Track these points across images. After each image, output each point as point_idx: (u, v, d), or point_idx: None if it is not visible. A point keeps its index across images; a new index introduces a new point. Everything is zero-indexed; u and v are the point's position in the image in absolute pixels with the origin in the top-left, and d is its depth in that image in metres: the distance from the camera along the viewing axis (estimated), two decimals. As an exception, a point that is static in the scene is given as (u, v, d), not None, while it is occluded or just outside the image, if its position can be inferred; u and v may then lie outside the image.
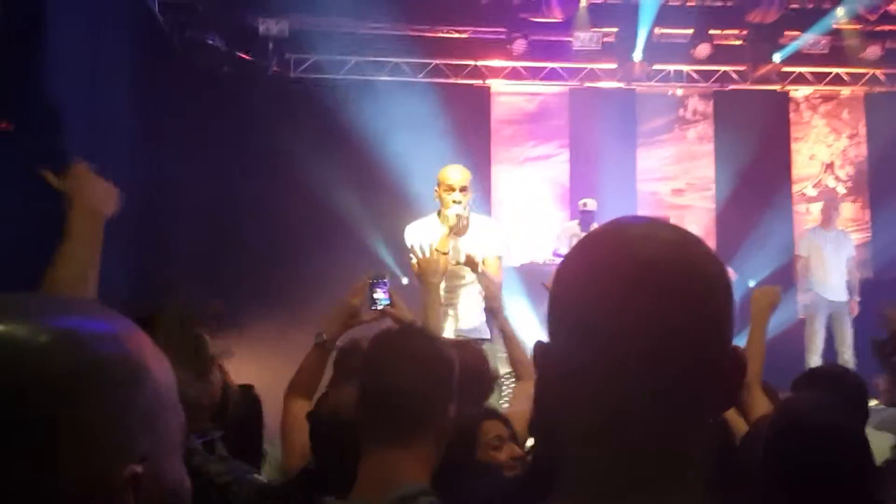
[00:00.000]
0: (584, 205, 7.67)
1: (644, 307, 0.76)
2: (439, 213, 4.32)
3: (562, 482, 0.81)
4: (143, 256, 6.38)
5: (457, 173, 4.29)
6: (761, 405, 2.29)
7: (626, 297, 0.76)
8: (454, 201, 4.17)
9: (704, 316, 0.78)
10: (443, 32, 8.84)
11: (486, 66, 9.01)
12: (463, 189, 4.20)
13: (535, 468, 1.82)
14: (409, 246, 4.11)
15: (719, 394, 0.79)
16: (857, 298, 7.52)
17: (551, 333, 0.82)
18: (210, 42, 7.76)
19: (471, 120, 8.69)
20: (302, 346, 2.39)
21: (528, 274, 6.89)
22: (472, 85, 9.04)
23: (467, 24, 8.76)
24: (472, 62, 8.95)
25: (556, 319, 0.81)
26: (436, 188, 4.33)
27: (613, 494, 0.77)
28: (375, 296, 2.60)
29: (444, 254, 3.96)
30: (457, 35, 8.88)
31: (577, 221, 7.91)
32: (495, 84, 9.14)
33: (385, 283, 2.64)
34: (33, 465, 0.63)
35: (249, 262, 7.55)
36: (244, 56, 8.33)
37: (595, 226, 6.57)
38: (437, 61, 8.86)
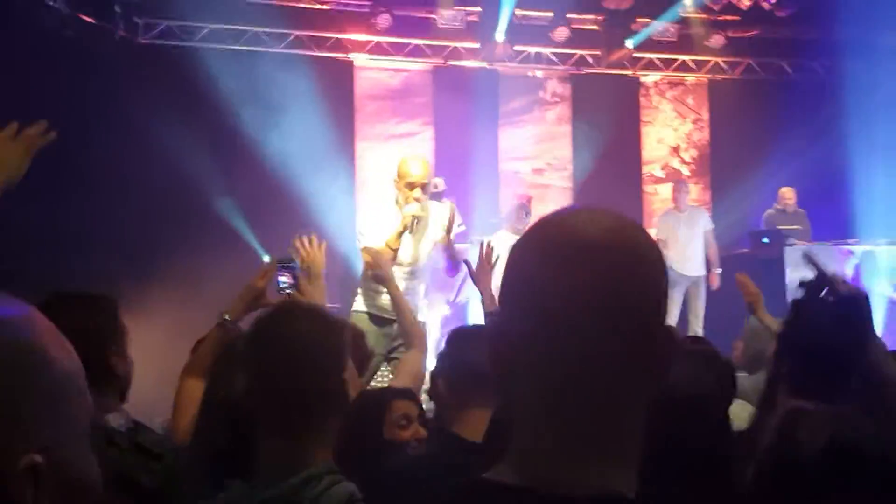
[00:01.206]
0: (435, 186, 7.75)
1: (585, 283, 0.81)
2: (396, 202, 4.15)
3: (510, 449, 0.85)
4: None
5: (418, 168, 4.12)
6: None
7: (569, 274, 0.81)
8: (415, 198, 4.03)
9: (642, 294, 0.83)
10: (305, 3, 8.58)
11: (349, 40, 8.84)
12: (423, 186, 4.06)
13: (489, 436, 1.83)
14: (360, 241, 4.11)
15: (655, 368, 0.84)
16: (719, 270, 7.96)
17: (502, 306, 0.88)
18: (51, 3, 7.16)
19: (334, 94, 8.51)
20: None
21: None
22: (334, 58, 8.85)
23: (331, -5, 8.56)
24: (334, 35, 8.76)
25: (506, 294, 0.87)
26: (395, 178, 4.15)
27: (553, 462, 0.82)
28: (281, 280, 2.55)
29: (394, 250, 3.96)
30: (319, 6, 8.65)
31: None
32: (358, 58, 9.00)
33: (293, 268, 2.59)
34: None
35: (103, 234, 7.05)
36: (88, 19, 7.75)
37: (451, 205, 6.54)
38: (299, 32, 8.60)
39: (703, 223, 8.12)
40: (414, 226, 4.06)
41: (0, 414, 0.65)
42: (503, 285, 0.88)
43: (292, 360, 1.50)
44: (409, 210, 4.03)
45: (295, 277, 2.55)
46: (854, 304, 2.23)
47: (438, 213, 4.31)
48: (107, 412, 1.84)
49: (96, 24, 7.80)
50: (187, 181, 7.50)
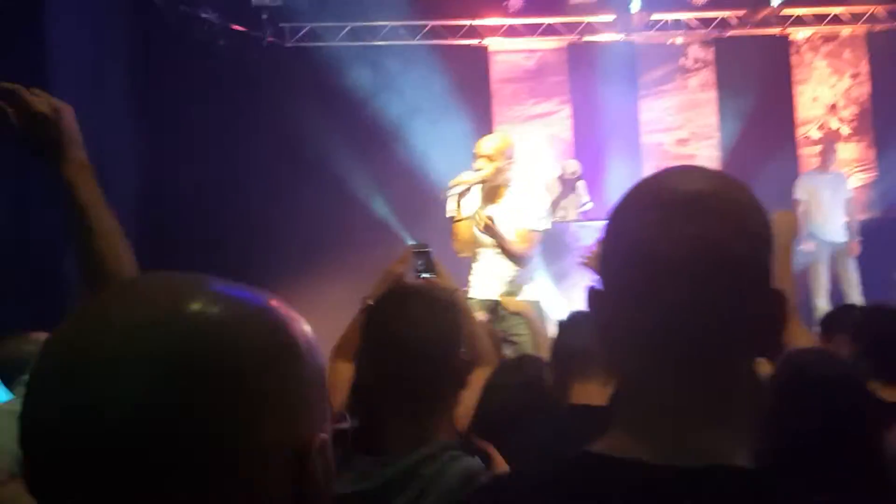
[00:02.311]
0: (573, 173, 7.81)
1: (693, 235, 0.77)
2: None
3: (619, 416, 0.83)
4: (146, 237, 6.37)
5: (484, 141, 4.33)
6: (803, 338, 2.27)
7: (675, 228, 0.78)
8: (476, 169, 4.20)
9: (750, 247, 0.79)
10: (437, -8, 8.74)
11: (482, 25, 8.92)
12: (489, 157, 4.19)
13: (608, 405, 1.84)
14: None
15: (765, 329, 0.81)
16: (858, 238, 7.51)
17: (604, 277, 0.84)
18: (204, 15, 7.68)
19: (470, 81, 8.62)
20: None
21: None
22: (469, 45, 8.96)
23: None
24: (468, 21, 8.86)
25: (607, 262, 0.84)
26: None
27: (664, 431, 0.79)
28: (418, 264, 2.65)
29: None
30: (452, -6, 8.78)
31: (556, 178, 7.90)
32: (493, 43, 9.06)
33: (427, 253, 2.68)
34: (246, 438, 0.62)
35: (261, 232, 7.55)
36: (238, 28, 8.25)
37: (581, 185, 6.58)
38: (433, 22, 8.76)
39: (846, 191, 7.64)
40: (465, 193, 4.17)
41: (300, 397, 0.66)
42: (604, 252, 0.84)
43: (403, 343, 1.53)
44: (460, 177, 4.23)
45: (430, 262, 2.65)
46: None
47: (528, 199, 4.36)
48: None
49: (246, 33, 8.29)
50: (337, 179, 7.86)
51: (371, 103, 8.10)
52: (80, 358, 0.60)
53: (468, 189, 4.21)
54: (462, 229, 4.25)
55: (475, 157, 4.25)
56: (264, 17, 8.31)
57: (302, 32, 8.57)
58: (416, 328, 1.54)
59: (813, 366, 1.81)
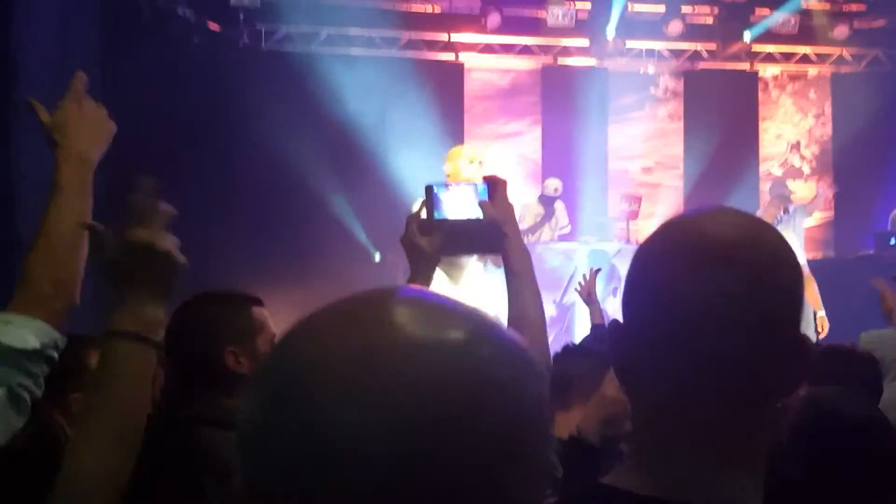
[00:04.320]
0: (555, 189, 7.84)
1: (720, 285, 0.78)
2: None
3: (632, 454, 0.85)
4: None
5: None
6: None
7: (702, 276, 0.79)
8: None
9: (778, 298, 0.80)
10: (417, 5, 8.77)
11: (459, 42, 8.97)
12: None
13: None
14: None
15: (784, 376, 0.81)
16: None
17: (626, 309, 0.85)
18: (180, 13, 7.62)
19: (444, 95, 8.67)
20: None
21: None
22: (445, 60, 9.00)
23: (441, -2, 8.72)
24: (445, 36, 8.90)
25: (630, 298, 0.85)
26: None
27: (681, 469, 0.80)
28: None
29: None
30: (430, 9, 8.82)
31: (537, 199, 7.97)
32: (469, 59, 9.11)
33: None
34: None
35: (225, 234, 7.50)
36: (215, 27, 8.19)
37: (560, 205, 6.66)
38: (411, 35, 8.80)
39: (800, 219, 7.79)
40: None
41: None
42: (628, 288, 0.85)
43: None
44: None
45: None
46: None
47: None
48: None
49: (221, 33, 8.24)
50: (306, 183, 7.84)
51: (343, 111, 8.09)
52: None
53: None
54: None
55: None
56: (241, 17, 8.28)
57: (278, 36, 8.54)
58: None
59: (843, 408, 1.78)
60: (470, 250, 1.80)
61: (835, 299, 7.60)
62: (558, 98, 8.98)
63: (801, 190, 9.14)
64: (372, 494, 0.51)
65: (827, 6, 8.92)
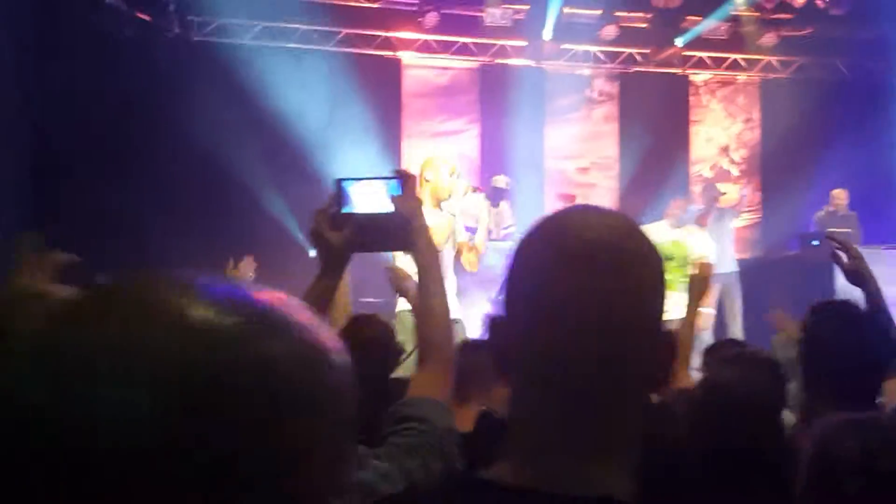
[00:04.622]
0: (496, 181, 7.82)
1: (589, 282, 0.82)
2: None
3: (508, 447, 0.85)
4: (33, 221, 6.04)
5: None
6: (685, 381, 2.41)
7: (573, 273, 0.82)
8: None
9: (644, 295, 0.84)
10: (354, 1, 8.69)
11: (397, 38, 8.92)
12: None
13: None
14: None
15: (654, 369, 0.86)
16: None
17: (506, 304, 0.87)
18: (109, 3, 7.38)
19: (382, 92, 8.61)
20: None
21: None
22: (382, 56, 8.95)
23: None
24: (382, 33, 8.85)
25: (510, 292, 0.87)
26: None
27: (555, 462, 0.82)
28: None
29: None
30: (368, 4, 8.75)
31: (484, 195, 8.01)
32: (406, 56, 9.07)
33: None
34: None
35: (154, 227, 7.27)
36: (144, 17, 7.96)
37: (505, 204, 6.89)
38: (348, 30, 8.71)
39: (729, 219, 7.98)
40: None
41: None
42: (507, 283, 0.87)
43: None
44: None
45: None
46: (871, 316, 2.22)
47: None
48: None
49: (152, 23, 8.01)
50: (238, 179, 7.68)
51: (278, 105, 7.95)
52: None
53: None
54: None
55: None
56: (171, 8, 8.07)
57: (211, 27, 8.35)
58: None
59: (739, 391, 1.91)
60: (379, 246, 1.75)
61: (761, 298, 7.81)
62: (496, 97, 9.02)
63: (732, 192, 9.38)
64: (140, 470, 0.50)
65: (756, 14, 9.17)
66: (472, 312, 7.44)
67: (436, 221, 4.32)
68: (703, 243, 6.75)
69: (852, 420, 1.52)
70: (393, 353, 2.97)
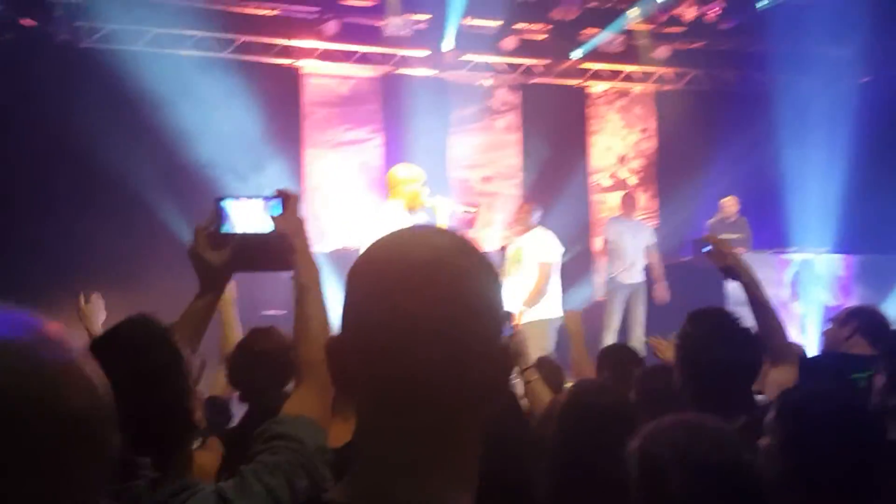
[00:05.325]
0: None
1: (416, 302, 0.83)
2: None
3: (353, 464, 0.87)
4: None
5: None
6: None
7: (401, 294, 0.84)
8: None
9: (472, 310, 0.85)
10: (251, 8, 8.53)
11: (296, 47, 8.81)
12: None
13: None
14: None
15: (488, 384, 0.85)
16: (665, 283, 8.03)
17: (342, 325, 0.89)
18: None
19: (281, 101, 8.47)
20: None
21: (340, 260, 6.83)
22: (281, 65, 8.81)
23: (277, 1, 8.50)
24: (281, 41, 8.71)
25: (345, 313, 0.89)
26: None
27: (389, 479, 0.83)
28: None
29: None
30: (266, 12, 8.61)
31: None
32: (306, 65, 8.96)
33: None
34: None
35: (32, 240, 6.93)
36: (28, 22, 7.61)
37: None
38: (245, 38, 8.54)
39: (647, 236, 8.21)
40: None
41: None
42: (343, 305, 0.89)
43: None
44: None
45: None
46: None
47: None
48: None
49: (37, 28, 7.67)
50: (130, 188, 7.41)
51: (173, 113, 7.71)
52: None
53: None
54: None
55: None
56: (58, 13, 7.74)
57: (100, 34, 8.04)
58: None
59: (598, 397, 2.06)
60: (260, 266, 1.71)
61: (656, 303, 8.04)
62: (399, 107, 9.00)
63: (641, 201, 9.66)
64: None
65: (649, 28, 9.46)
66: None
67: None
68: (546, 245, 6.71)
69: (673, 421, 1.59)
70: (288, 366, 2.91)
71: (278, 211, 1.63)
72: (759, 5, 8.89)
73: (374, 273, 0.87)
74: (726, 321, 2.36)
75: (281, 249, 1.59)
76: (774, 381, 2.48)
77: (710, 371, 2.26)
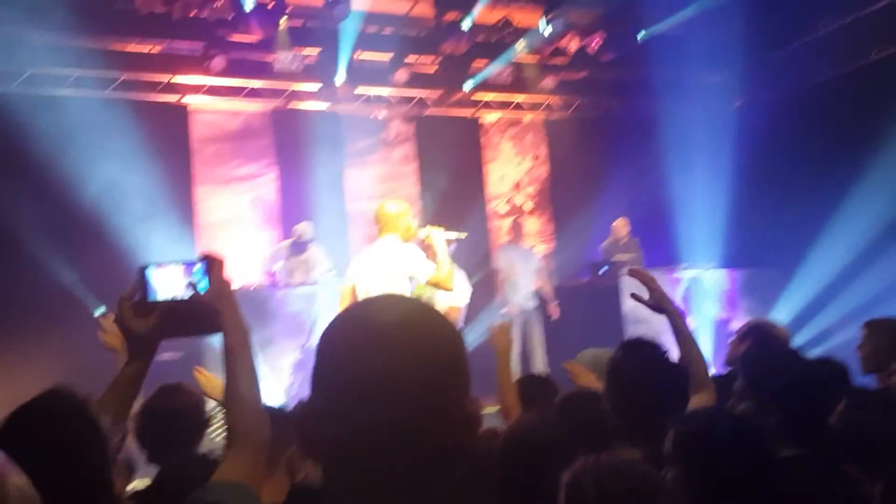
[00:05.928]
0: (298, 232, 7.83)
1: (382, 366, 0.86)
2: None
3: None
4: None
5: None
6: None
7: (368, 358, 0.87)
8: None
9: (436, 370, 0.88)
10: (133, 45, 8.27)
11: (181, 83, 8.58)
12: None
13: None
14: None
15: (458, 439, 0.89)
16: (556, 302, 8.22)
17: (311, 387, 0.92)
18: None
19: (169, 138, 8.20)
20: None
21: (240, 298, 6.61)
22: (167, 102, 8.56)
23: (160, 38, 8.27)
24: (165, 77, 8.47)
25: (314, 378, 0.92)
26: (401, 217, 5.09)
27: None
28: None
29: None
30: (149, 49, 8.36)
31: (288, 242, 7.97)
32: (193, 101, 8.74)
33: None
34: None
35: None
36: None
37: (312, 247, 7.08)
38: (127, 76, 8.25)
39: (535, 262, 8.41)
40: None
41: None
42: (313, 367, 0.92)
43: None
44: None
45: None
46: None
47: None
48: None
49: None
50: (10, 234, 7.00)
51: (54, 158, 7.32)
52: None
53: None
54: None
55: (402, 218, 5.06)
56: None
57: (-32, 74, 7.61)
58: None
59: (535, 433, 2.16)
60: (187, 331, 1.69)
61: (558, 323, 8.18)
62: (292, 141, 8.89)
63: (527, 225, 9.82)
64: None
65: (535, 59, 9.72)
66: (282, 363, 7.19)
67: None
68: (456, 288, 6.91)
69: (599, 459, 1.69)
70: (198, 424, 2.79)
71: (202, 275, 1.62)
72: (639, 36, 9.28)
73: (343, 336, 0.91)
74: (657, 351, 2.42)
75: (207, 314, 1.58)
76: (695, 407, 2.55)
77: (642, 398, 2.30)
